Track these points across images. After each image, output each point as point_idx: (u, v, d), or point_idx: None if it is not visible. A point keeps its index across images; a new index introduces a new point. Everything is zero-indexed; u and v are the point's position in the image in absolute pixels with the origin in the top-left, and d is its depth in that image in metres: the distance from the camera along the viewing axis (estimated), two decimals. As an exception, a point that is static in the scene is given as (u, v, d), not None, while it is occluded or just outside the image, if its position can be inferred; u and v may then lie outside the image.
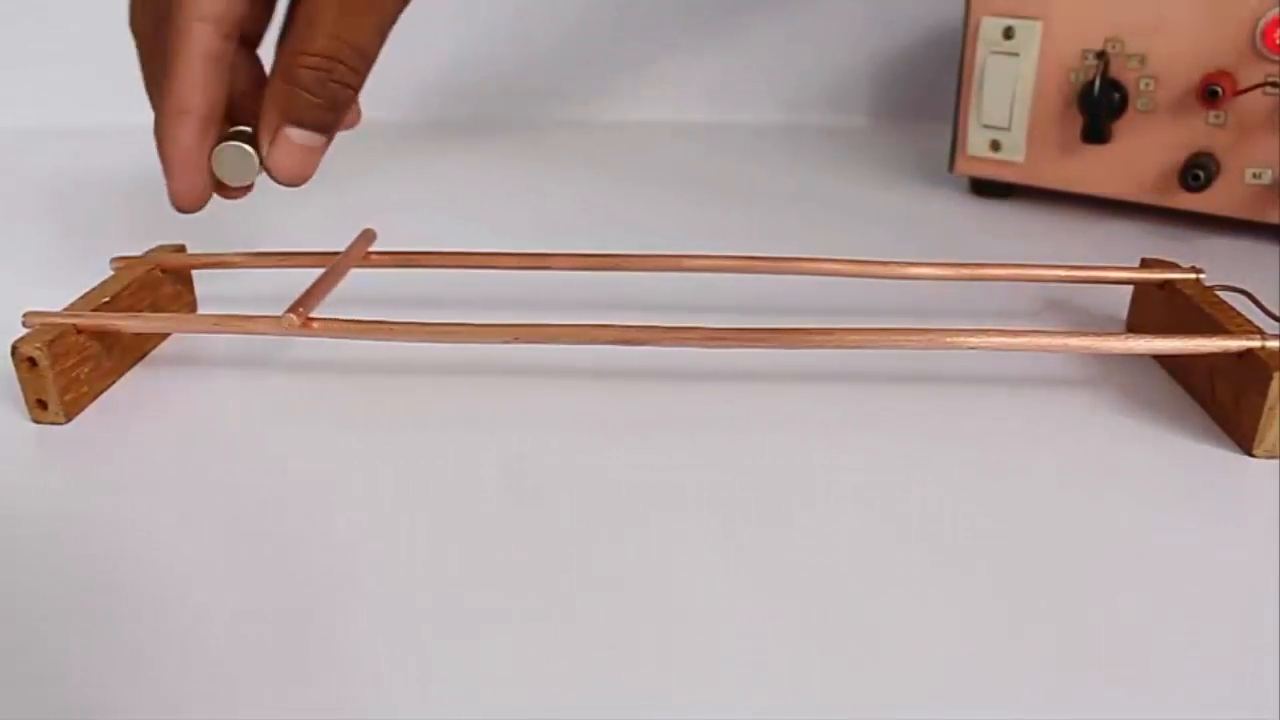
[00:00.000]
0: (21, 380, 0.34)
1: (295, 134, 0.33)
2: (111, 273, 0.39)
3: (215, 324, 0.36)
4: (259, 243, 0.43)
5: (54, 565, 0.28)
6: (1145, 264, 0.40)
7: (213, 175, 0.34)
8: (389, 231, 0.42)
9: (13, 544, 0.29)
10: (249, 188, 0.36)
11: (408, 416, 0.35)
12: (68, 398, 0.34)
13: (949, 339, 0.34)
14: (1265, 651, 0.25)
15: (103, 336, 0.36)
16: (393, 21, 0.32)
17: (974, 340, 0.33)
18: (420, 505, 0.30)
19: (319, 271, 0.39)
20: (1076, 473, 0.32)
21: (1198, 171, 0.48)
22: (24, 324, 0.34)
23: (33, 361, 0.33)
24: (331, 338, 0.35)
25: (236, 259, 0.41)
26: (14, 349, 0.33)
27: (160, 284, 0.40)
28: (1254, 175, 0.49)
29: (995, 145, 0.55)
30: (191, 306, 0.42)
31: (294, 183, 0.34)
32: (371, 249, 0.41)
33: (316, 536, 0.29)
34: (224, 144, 0.34)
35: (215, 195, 0.36)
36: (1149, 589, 0.27)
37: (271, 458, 0.33)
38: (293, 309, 0.34)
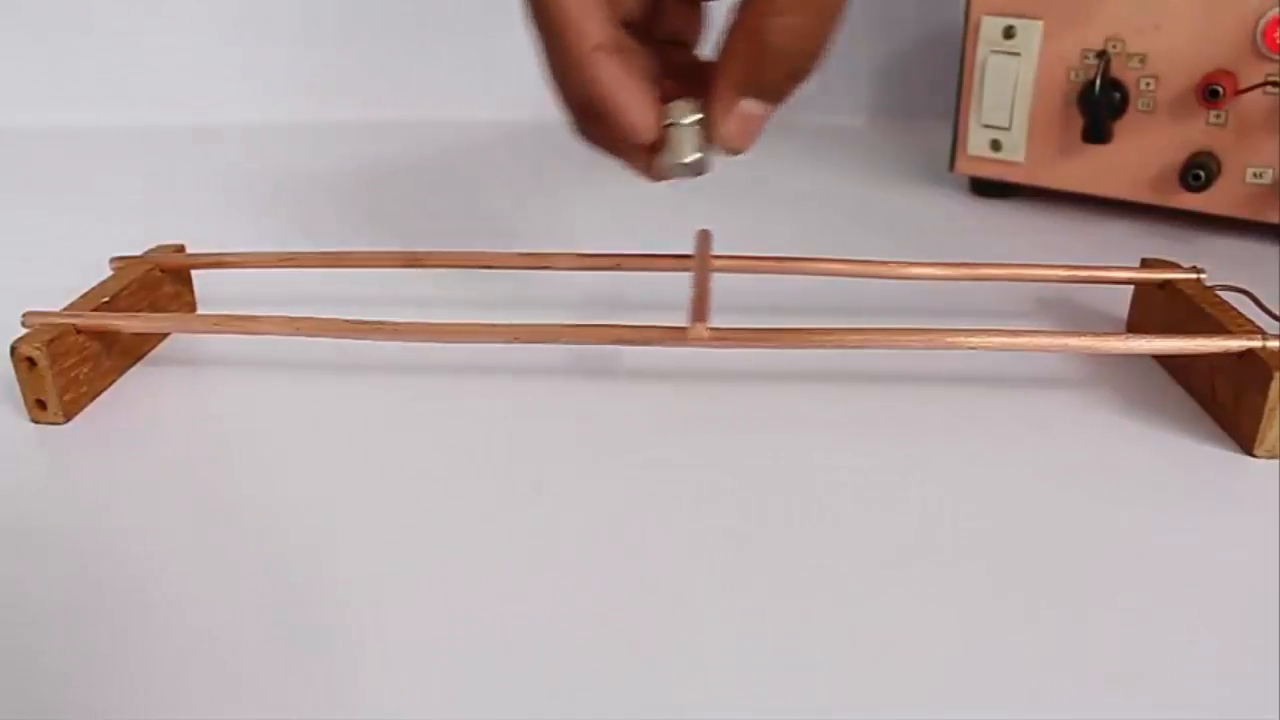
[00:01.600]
0: (21, 380, 0.34)
1: (750, 105, 0.30)
2: (111, 273, 0.39)
3: (215, 324, 0.36)
4: (264, 240, 0.42)
5: (52, 564, 0.28)
6: (1146, 264, 0.40)
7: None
8: (391, 230, 0.42)
9: (12, 543, 0.29)
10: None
11: (405, 416, 0.35)
12: (67, 398, 0.34)
13: (949, 339, 0.34)
14: (1265, 651, 0.25)
15: (102, 336, 0.36)
16: None
17: (974, 340, 0.33)
18: (420, 504, 0.30)
19: (318, 271, 0.39)
20: (1077, 473, 0.32)
21: (1198, 171, 0.48)
22: (24, 324, 0.34)
23: (32, 361, 0.33)
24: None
25: (235, 259, 0.41)
26: (13, 349, 0.33)
27: (160, 284, 0.40)
28: (1255, 175, 0.49)
29: (995, 145, 0.54)
30: (191, 306, 0.42)
31: (739, 153, 0.32)
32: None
33: (314, 537, 0.29)
34: (678, 126, 0.31)
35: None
36: (1149, 589, 0.27)
37: (269, 458, 0.33)
38: (697, 319, 0.33)
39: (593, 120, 0.32)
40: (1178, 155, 0.50)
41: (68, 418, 0.34)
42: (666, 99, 0.31)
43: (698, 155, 0.31)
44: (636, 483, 0.31)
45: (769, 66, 0.29)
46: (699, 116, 0.31)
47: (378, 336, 0.34)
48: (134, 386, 0.37)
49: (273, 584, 0.27)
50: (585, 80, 0.30)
